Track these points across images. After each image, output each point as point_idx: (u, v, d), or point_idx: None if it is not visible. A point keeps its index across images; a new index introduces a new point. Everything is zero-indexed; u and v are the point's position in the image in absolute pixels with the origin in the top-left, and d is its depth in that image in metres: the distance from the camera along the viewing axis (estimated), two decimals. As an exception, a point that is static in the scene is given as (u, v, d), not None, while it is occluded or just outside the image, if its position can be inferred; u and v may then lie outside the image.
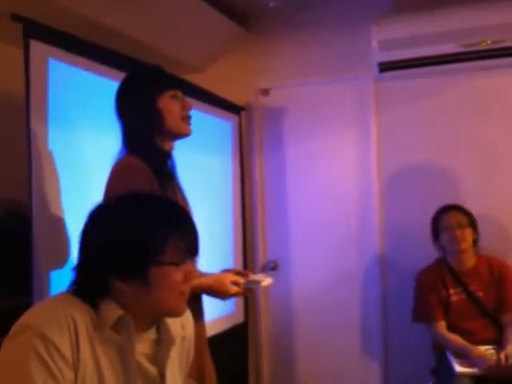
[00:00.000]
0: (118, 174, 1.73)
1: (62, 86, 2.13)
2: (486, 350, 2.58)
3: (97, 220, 1.20)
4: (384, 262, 3.39)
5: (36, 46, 2.00)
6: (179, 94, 1.87)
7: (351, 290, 3.47)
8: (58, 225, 2.07)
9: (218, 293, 1.82)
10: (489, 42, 2.96)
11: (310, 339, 3.58)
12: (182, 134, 1.88)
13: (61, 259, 2.05)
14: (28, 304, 1.18)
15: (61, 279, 2.02)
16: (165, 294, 1.17)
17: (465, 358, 2.56)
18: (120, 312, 1.15)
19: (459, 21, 2.97)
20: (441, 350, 2.77)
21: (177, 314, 1.24)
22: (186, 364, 1.38)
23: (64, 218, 2.09)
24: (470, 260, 2.79)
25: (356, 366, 3.47)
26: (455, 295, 2.75)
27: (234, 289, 1.83)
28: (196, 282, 1.74)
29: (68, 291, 1.19)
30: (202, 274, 1.86)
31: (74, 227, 1.23)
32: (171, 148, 1.90)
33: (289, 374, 3.64)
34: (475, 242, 2.80)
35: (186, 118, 1.88)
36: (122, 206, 1.22)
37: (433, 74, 3.23)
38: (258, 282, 1.91)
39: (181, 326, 1.34)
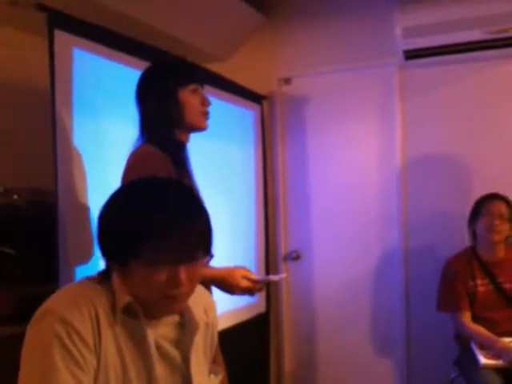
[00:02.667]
0: (136, 162, 1.75)
1: (87, 74, 2.15)
2: (510, 342, 2.55)
3: (104, 206, 1.19)
4: (406, 252, 3.36)
5: (60, 36, 2.01)
6: (200, 89, 1.91)
7: (373, 280, 3.45)
8: (83, 214, 2.09)
9: (229, 285, 1.82)
10: (516, 28, 2.91)
11: (332, 329, 3.58)
12: (198, 128, 1.92)
13: (86, 251, 2.07)
14: (53, 292, 1.18)
15: (86, 270, 2.05)
16: (143, 291, 1.13)
17: (488, 349, 2.53)
18: (128, 297, 1.14)
19: (485, 7, 2.91)
20: (464, 342, 2.74)
21: (166, 314, 1.21)
22: (211, 350, 1.37)
23: (89, 207, 2.10)
24: (500, 251, 2.75)
25: (377, 356, 3.46)
26: (482, 286, 2.72)
27: (245, 283, 1.83)
28: (210, 272, 1.76)
29: (88, 277, 1.20)
30: (213, 268, 1.86)
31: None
32: (187, 140, 1.92)
33: (310, 363, 3.65)
34: (508, 236, 2.74)
35: (206, 114, 1.91)
36: (121, 193, 1.19)
37: (458, 61, 3.18)
38: (269, 277, 1.93)
39: (204, 312, 1.33)
